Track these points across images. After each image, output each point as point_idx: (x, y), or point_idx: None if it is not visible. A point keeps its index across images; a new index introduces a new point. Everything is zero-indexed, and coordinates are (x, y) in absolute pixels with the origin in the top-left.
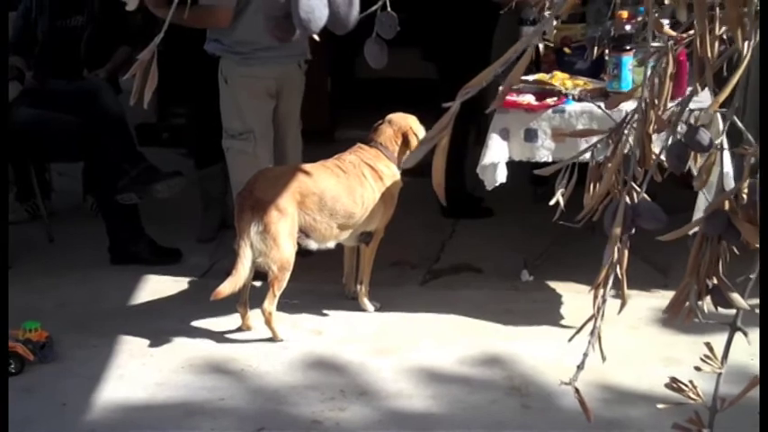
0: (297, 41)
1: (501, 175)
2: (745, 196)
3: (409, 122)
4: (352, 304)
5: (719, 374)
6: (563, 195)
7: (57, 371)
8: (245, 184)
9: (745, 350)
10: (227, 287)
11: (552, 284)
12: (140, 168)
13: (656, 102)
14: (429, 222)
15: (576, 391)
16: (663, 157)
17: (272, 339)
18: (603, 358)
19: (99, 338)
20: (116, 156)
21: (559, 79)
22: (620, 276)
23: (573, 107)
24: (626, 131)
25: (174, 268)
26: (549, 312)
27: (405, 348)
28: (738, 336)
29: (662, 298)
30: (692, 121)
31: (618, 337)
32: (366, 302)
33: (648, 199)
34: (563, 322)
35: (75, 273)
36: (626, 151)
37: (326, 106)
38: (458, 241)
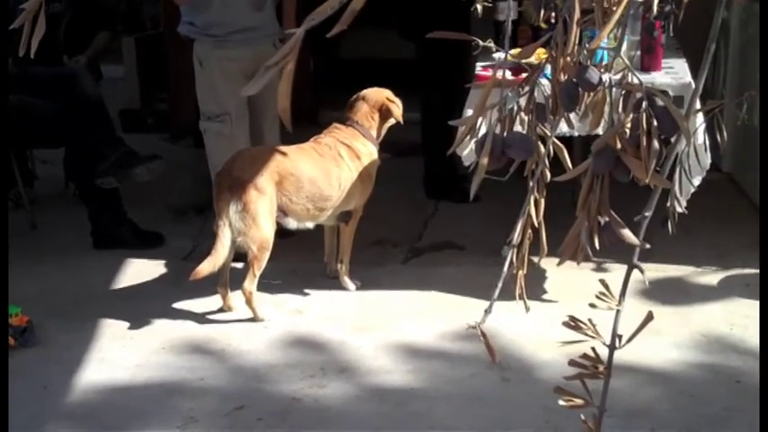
0: (269, 20)
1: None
2: (628, 131)
3: (384, 94)
4: (334, 283)
5: (618, 312)
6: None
7: (38, 355)
8: (223, 164)
9: (725, 321)
10: (206, 267)
11: (534, 259)
12: (119, 152)
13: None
14: (411, 201)
15: (483, 334)
16: None
17: (253, 319)
18: (527, 309)
19: (81, 322)
20: (95, 140)
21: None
22: (536, 224)
23: (541, 83)
24: (540, 81)
25: (157, 252)
26: (531, 287)
27: (385, 325)
28: (720, 306)
29: (646, 271)
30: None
31: (599, 310)
32: (347, 281)
33: (562, 145)
34: (545, 296)
35: (58, 258)
36: (539, 101)
37: (309, 88)
38: (440, 219)
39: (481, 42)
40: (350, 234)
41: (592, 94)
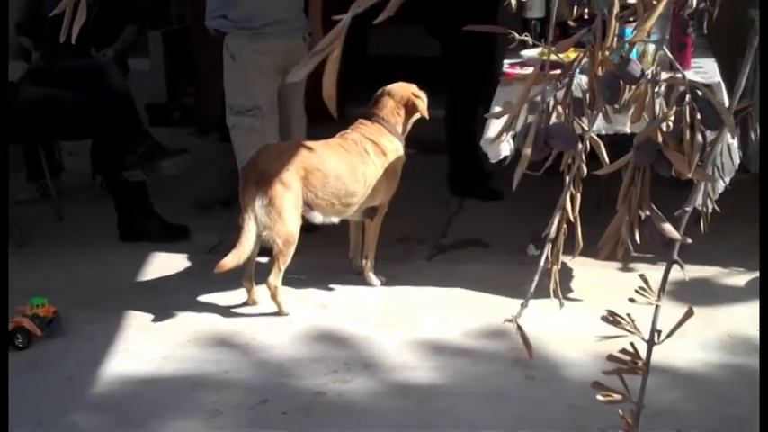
0: (297, 13)
1: (505, 149)
2: (671, 124)
3: (410, 90)
4: (359, 279)
5: (657, 307)
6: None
7: (64, 346)
8: (249, 158)
9: (751, 322)
10: (230, 260)
11: (567, 258)
12: (147, 146)
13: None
14: (437, 198)
15: (519, 327)
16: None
17: (278, 313)
18: (561, 305)
19: (107, 314)
20: (122, 133)
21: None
22: (572, 219)
23: (578, 78)
24: (577, 75)
25: (182, 245)
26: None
27: (409, 322)
28: (746, 307)
29: (673, 270)
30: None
31: (628, 310)
32: (372, 277)
33: (599, 140)
34: (570, 295)
35: (84, 250)
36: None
37: (337, 84)
38: (465, 216)
39: (517, 36)
40: (375, 230)
41: (633, 87)
